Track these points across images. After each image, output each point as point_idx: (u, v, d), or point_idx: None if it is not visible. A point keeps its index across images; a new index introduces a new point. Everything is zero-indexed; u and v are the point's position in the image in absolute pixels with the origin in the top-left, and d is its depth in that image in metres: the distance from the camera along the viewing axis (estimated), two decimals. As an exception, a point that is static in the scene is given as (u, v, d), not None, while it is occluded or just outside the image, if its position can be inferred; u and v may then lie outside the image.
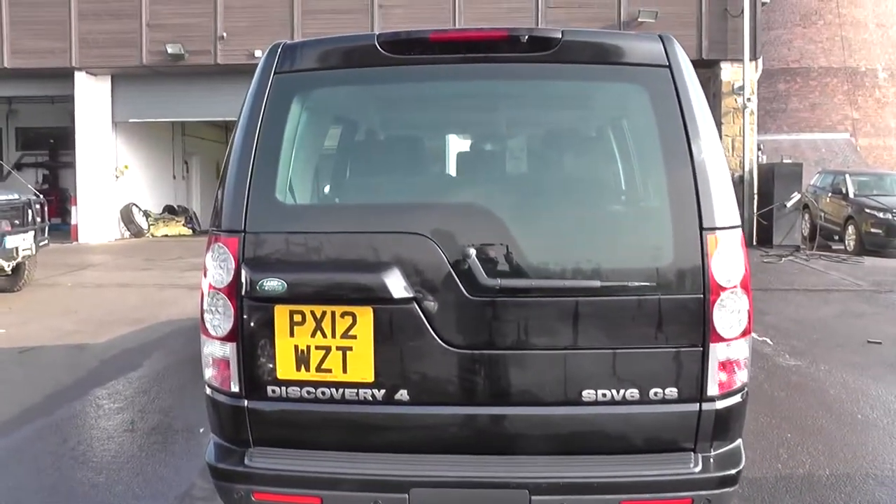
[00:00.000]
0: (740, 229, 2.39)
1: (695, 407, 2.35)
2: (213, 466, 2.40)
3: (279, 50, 2.43)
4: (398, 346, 2.31)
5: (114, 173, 16.71)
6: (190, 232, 18.80)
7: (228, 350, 2.38)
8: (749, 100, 15.34)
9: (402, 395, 2.32)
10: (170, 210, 19.48)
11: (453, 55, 2.39)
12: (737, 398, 2.41)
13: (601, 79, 2.44)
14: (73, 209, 16.30)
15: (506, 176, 2.60)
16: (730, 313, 2.33)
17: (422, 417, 2.34)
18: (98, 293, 9.48)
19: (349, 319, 2.30)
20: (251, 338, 2.35)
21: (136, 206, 17.35)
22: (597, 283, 2.28)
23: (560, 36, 2.35)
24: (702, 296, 2.31)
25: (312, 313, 2.31)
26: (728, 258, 2.32)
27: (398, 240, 2.31)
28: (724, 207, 2.32)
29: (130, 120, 16.79)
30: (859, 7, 28.47)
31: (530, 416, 2.34)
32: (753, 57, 15.45)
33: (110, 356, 6.27)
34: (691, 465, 2.32)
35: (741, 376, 2.40)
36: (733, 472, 2.35)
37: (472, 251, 2.25)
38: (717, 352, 2.34)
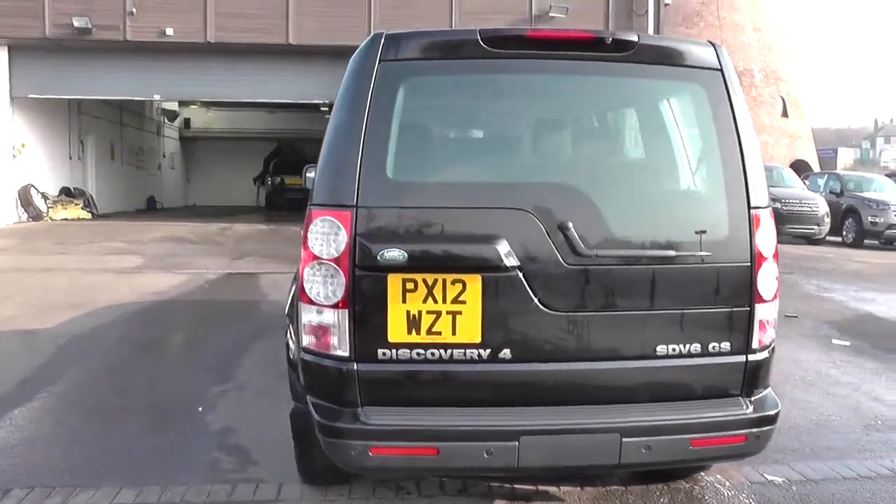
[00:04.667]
0: (771, 209, 2.83)
1: (742, 358, 2.79)
2: (326, 426, 2.57)
3: (382, 39, 2.65)
4: (503, 309, 2.60)
5: (11, 152, 15.78)
6: (89, 215, 18.00)
7: (337, 317, 2.57)
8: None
9: (506, 353, 2.61)
10: (66, 192, 18.55)
11: (545, 52, 2.68)
12: (768, 352, 2.86)
13: (668, 77, 2.82)
14: (-36, 190, 15.35)
15: (590, 159, 2.91)
16: (768, 279, 2.79)
17: (523, 373, 2.64)
18: (24, 278, 9.07)
19: (459, 286, 2.56)
20: (363, 304, 2.56)
21: (35, 187, 16.45)
22: (671, 253, 2.68)
23: (637, 39, 2.70)
24: (749, 264, 2.75)
25: (424, 281, 2.56)
26: (767, 233, 2.77)
27: (503, 215, 2.60)
28: (763, 190, 2.78)
29: (30, 95, 15.97)
30: (737, 11, 30.38)
31: (615, 370, 2.69)
32: (657, 54, 16.37)
33: (66, 341, 6.12)
34: (744, 408, 2.75)
35: (771, 333, 2.86)
36: (772, 413, 2.79)
37: (570, 224, 2.57)
38: (759, 311, 2.79)
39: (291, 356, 3.16)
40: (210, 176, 28.71)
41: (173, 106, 26.48)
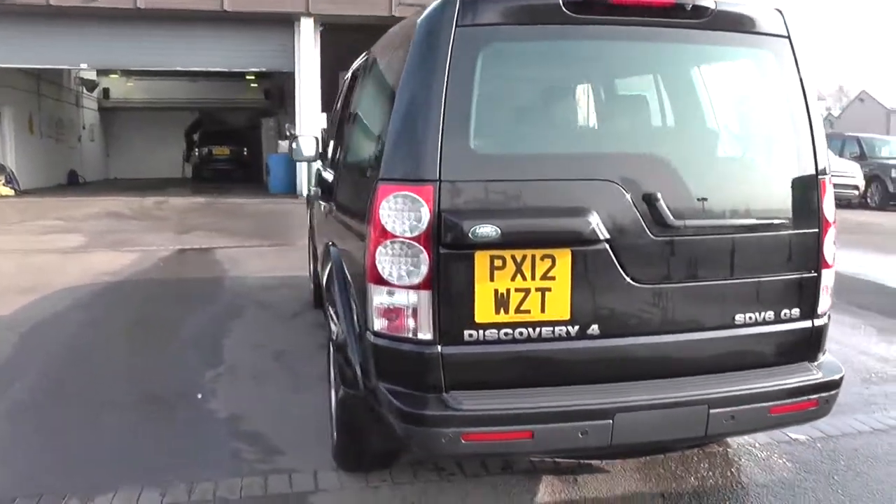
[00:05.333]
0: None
1: (809, 324, 2.81)
2: (410, 413, 2.43)
3: (458, 3, 2.47)
4: (591, 284, 2.51)
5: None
6: (12, 192, 16.95)
7: (418, 298, 2.42)
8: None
9: (594, 329, 2.53)
10: (-15, 168, 17.44)
11: (627, 17, 2.57)
12: (828, 317, 2.89)
13: (741, 45, 2.75)
14: None
15: (671, 127, 2.83)
16: (830, 245, 2.80)
17: (611, 349, 2.56)
18: (-43, 260, 8.45)
19: (548, 262, 2.45)
20: (447, 284, 2.42)
21: (-49, 163, 15.37)
22: (751, 221, 2.65)
23: (713, 6, 2.62)
24: (817, 230, 2.76)
25: (513, 257, 2.43)
26: (830, 199, 2.79)
27: (591, 186, 2.50)
28: (826, 156, 2.77)
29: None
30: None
31: (698, 341, 2.65)
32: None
33: (28, 329, 5.70)
34: (814, 373, 2.76)
35: (829, 299, 2.89)
36: (838, 377, 2.81)
37: (659, 195, 2.49)
38: (824, 277, 2.81)
39: (337, 338, 2.98)
40: (131, 148, 27.48)
41: (91, 75, 25.12)
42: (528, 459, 3.39)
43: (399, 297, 2.45)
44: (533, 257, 2.44)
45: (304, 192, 15.92)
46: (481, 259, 2.42)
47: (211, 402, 4.23)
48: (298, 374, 4.70)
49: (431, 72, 2.42)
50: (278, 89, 24.81)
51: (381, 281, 2.46)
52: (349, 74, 4.64)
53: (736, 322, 2.69)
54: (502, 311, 2.45)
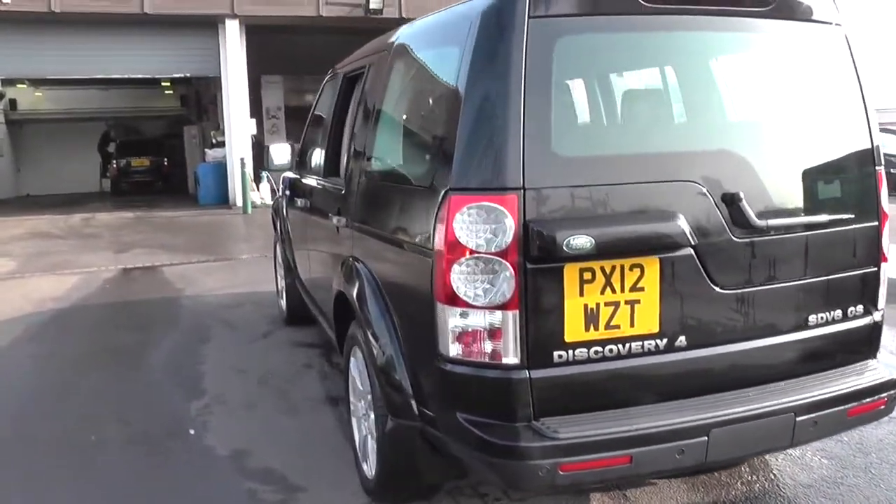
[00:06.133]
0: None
1: (870, 319, 2.74)
2: (500, 446, 2.22)
3: None
4: (679, 292, 2.37)
5: None
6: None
7: (503, 318, 2.21)
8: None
9: (682, 341, 2.39)
10: None
11: (698, 6, 2.44)
12: (883, 313, 2.83)
13: (802, 34, 2.66)
14: None
15: (744, 122, 2.69)
16: (886, 238, 2.74)
17: (698, 360, 2.42)
18: None
19: (637, 272, 2.29)
20: (536, 302, 2.22)
21: None
22: (825, 218, 2.55)
23: None
24: (877, 223, 2.70)
25: (602, 269, 2.26)
26: (885, 191, 2.72)
27: (674, 188, 2.35)
28: (880, 148, 2.71)
29: None
30: None
31: (779, 345, 2.54)
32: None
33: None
34: (882, 371, 2.68)
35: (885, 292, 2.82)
36: None
37: (742, 195, 2.37)
38: (883, 270, 2.74)
39: (379, 363, 2.74)
40: (43, 162, 25.93)
41: (-4, 85, 23.63)
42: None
43: (478, 319, 2.24)
44: (622, 268, 2.28)
45: (238, 203, 15.44)
46: (571, 272, 2.24)
47: (206, 437, 3.91)
48: (290, 398, 4.42)
49: (506, 69, 2.21)
50: (195, 95, 23.97)
51: (456, 301, 2.24)
52: (336, 77, 4.37)
53: (809, 323, 2.60)
54: (592, 327, 2.28)
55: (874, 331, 2.77)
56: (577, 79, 2.52)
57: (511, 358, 2.23)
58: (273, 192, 16.19)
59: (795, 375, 2.58)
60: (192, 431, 3.96)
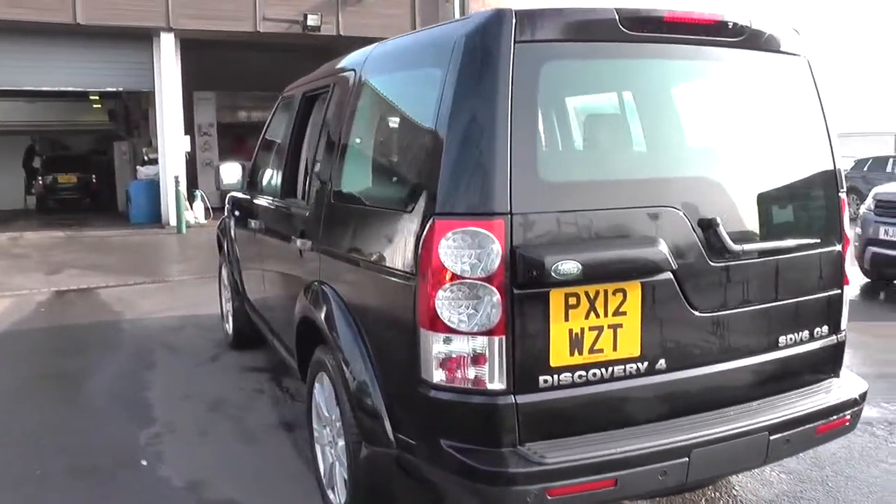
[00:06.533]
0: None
1: (835, 339, 2.85)
2: (487, 472, 2.20)
3: (513, 18, 2.27)
4: (658, 316, 2.41)
5: None
6: None
7: (489, 344, 2.21)
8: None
9: (661, 364, 2.43)
10: None
11: (678, 35, 2.50)
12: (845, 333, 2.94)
13: (770, 64, 2.75)
14: None
15: (720, 150, 2.74)
16: (848, 260, 2.85)
17: (677, 382, 2.47)
18: None
19: (620, 296, 2.33)
20: (523, 327, 2.22)
21: None
22: (792, 242, 2.64)
23: (749, 24, 2.60)
24: (840, 247, 2.80)
25: (587, 294, 2.29)
26: (846, 215, 2.85)
27: (656, 214, 2.39)
28: (843, 173, 2.83)
29: None
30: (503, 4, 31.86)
31: (751, 366, 2.61)
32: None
33: None
34: (846, 389, 2.78)
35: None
36: (865, 389, 2.86)
37: (719, 220, 2.44)
38: (846, 292, 2.86)
39: (352, 390, 2.69)
40: (-40, 178, 24.77)
41: None
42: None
43: (463, 345, 2.22)
44: (605, 293, 2.31)
45: (172, 222, 15.03)
46: (556, 297, 2.25)
47: (160, 467, 3.76)
48: (244, 424, 4.30)
49: (493, 93, 2.20)
50: (124, 110, 23.31)
51: (441, 328, 2.22)
52: (293, 97, 4.29)
53: (780, 344, 2.68)
54: (576, 352, 2.30)
55: (838, 350, 2.87)
56: (562, 104, 2.54)
57: (497, 383, 2.23)
58: (207, 211, 15.88)
59: (767, 395, 2.65)
60: (144, 462, 3.81)
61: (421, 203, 2.34)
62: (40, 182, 22.58)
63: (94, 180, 22.76)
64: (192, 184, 16.41)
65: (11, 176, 24.82)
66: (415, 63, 2.78)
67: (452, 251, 2.19)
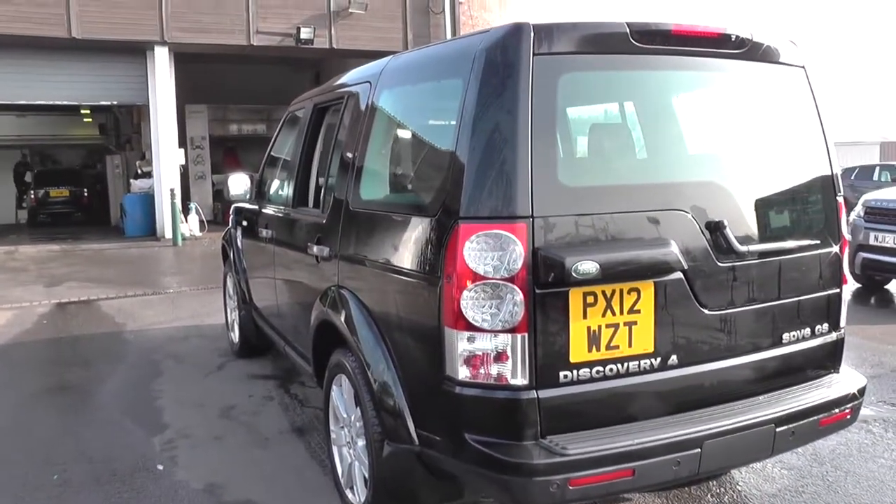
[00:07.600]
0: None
1: (835, 336, 2.98)
2: (512, 464, 2.31)
3: (531, 32, 2.40)
4: (671, 314, 2.54)
5: None
6: None
7: (512, 341, 2.33)
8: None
9: (674, 359, 2.56)
10: None
11: (685, 48, 2.64)
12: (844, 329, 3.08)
13: (771, 75, 2.89)
14: None
15: (726, 155, 2.87)
16: (846, 260, 3.00)
17: (688, 377, 2.59)
18: None
19: (634, 295, 2.46)
20: (544, 325, 2.35)
21: None
22: (795, 243, 2.79)
23: (750, 37, 2.75)
24: (838, 248, 2.94)
25: (603, 293, 2.42)
26: (844, 218, 2.98)
27: (667, 216, 2.53)
28: (839, 177, 2.98)
29: None
30: (489, 12, 32.07)
31: (757, 361, 2.74)
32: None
33: None
34: (848, 383, 2.92)
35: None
36: (864, 384, 2.99)
37: (726, 223, 2.57)
38: (844, 291, 3.01)
39: (378, 389, 2.79)
40: (-49, 192, 24.70)
41: None
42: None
43: (488, 342, 2.34)
44: (621, 291, 2.44)
45: (167, 235, 15.07)
46: (575, 296, 2.38)
47: (177, 471, 3.84)
48: (257, 430, 4.39)
49: (514, 103, 2.34)
50: (115, 124, 23.34)
51: (466, 326, 2.34)
52: (303, 109, 4.40)
53: (784, 341, 2.81)
54: (594, 348, 2.42)
55: (838, 347, 3.01)
56: (577, 113, 2.68)
57: (519, 379, 2.34)
58: (202, 223, 15.94)
59: (772, 389, 2.78)
60: (160, 466, 3.89)
61: (444, 208, 2.46)
62: (32, 196, 22.54)
63: (85, 194, 22.73)
64: (186, 196, 16.46)
65: (2, 190, 24.79)
66: (434, 75, 2.90)
67: (476, 253, 2.31)
